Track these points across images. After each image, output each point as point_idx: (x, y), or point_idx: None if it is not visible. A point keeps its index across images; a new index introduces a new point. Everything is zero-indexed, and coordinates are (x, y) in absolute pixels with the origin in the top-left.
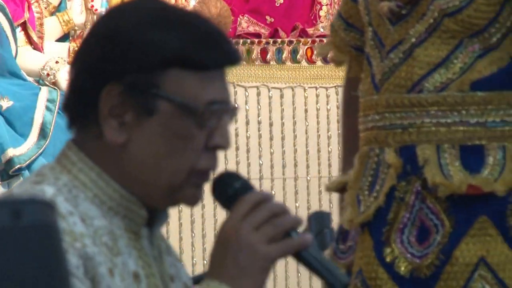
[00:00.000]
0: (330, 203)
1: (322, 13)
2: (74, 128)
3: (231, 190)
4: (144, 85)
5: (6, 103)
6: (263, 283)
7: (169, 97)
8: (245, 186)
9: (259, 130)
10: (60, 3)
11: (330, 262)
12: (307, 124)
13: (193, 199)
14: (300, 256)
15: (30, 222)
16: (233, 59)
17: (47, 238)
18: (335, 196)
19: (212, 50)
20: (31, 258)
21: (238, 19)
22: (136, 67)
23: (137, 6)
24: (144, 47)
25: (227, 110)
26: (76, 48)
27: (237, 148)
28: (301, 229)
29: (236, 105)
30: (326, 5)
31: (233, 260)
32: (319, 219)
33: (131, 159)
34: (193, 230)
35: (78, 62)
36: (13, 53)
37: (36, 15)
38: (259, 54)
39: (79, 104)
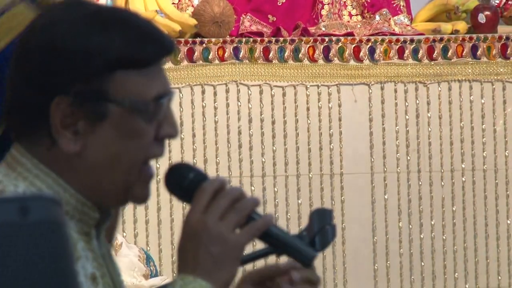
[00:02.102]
0: (332, 200)
1: (323, 12)
2: (21, 139)
3: (185, 181)
4: (92, 93)
5: None
6: (236, 271)
7: (118, 100)
8: (199, 176)
9: (261, 128)
10: None
11: (295, 238)
12: (309, 122)
13: (144, 196)
14: (266, 237)
15: (37, 219)
16: (170, 48)
17: (54, 234)
18: (337, 193)
19: (149, 45)
20: (38, 254)
21: (241, 18)
22: (80, 76)
23: (67, 12)
24: (84, 55)
25: (171, 99)
26: None
27: (240, 146)
28: (302, 226)
29: (239, 104)
30: (328, 4)
31: (205, 253)
32: (321, 216)
33: (87, 164)
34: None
35: (17, 77)
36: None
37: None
38: (261, 52)
39: (26, 119)
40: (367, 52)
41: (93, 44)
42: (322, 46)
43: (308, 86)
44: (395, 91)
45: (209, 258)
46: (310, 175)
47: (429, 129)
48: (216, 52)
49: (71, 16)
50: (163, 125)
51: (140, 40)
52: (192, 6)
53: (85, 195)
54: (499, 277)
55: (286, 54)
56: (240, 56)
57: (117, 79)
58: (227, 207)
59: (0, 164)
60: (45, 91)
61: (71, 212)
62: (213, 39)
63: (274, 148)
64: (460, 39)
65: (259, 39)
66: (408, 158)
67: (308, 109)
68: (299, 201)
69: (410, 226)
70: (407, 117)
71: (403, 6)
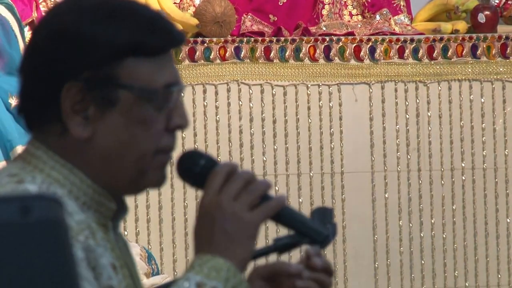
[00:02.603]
0: (333, 199)
1: (324, 12)
2: (34, 129)
3: (197, 168)
4: (103, 79)
5: (14, 101)
6: (252, 250)
7: (129, 85)
8: (210, 162)
9: (262, 127)
10: None
11: (308, 218)
12: (310, 121)
13: (159, 181)
14: (280, 217)
15: (38, 218)
16: (179, 40)
17: (55, 234)
18: (338, 192)
19: (160, 34)
20: (39, 254)
21: (242, 18)
22: (91, 62)
23: (75, 3)
24: (96, 41)
25: (181, 90)
26: None
27: (241, 145)
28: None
29: (240, 103)
30: (328, 4)
31: (221, 232)
32: (321, 214)
33: (98, 150)
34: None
35: (29, 66)
36: (21, 51)
37: (44, 14)
38: (262, 52)
39: (38, 106)
40: (368, 52)
41: (103, 31)
42: (322, 46)
43: (309, 86)
44: (396, 90)
45: (225, 236)
46: (311, 174)
47: (429, 128)
48: (218, 52)
49: (81, 5)
50: (173, 116)
51: (150, 28)
52: (194, 6)
53: (100, 184)
54: (499, 275)
55: (287, 53)
56: (241, 55)
57: (127, 65)
58: (240, 188)
59: (14, 160)
60: (56, 77)
61: (89, 202)
62: (214, 39)
63: (275, 147)
64: (460, 38)
65: (260, 38)
66: (408, 157)
67: (309, 108)
68: (300, 200)
69: (410, 225)
70: (407, 116)
71: (403, 6)
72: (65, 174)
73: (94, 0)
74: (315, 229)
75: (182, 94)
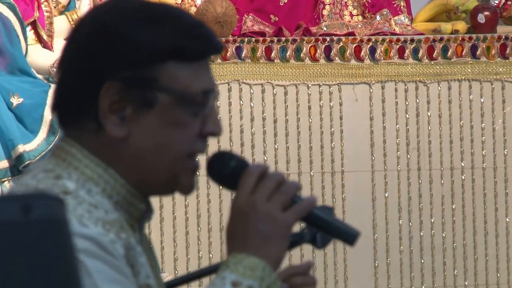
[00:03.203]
0: (333, 198)
1: (325, 12)
2: (68, 127)
3: (227, 169)
4: (143, 80)
5: (16, 100)
6: (285, 249)
7: (168, 88)
8: (241, 163)
9: (263, 127)
10: (69, 3)
11: (338, 218)
12: (310, 120)
13: (190, 185)
14: (310, 217)
15: (40, 217)
16: (218, 48)
17: (57, 233)
18: (338, 191)
19: (200, 41)
20: (41, 252)
21: (243, 18)
22: (132, 63)
23: (119, 4)
24: (139, 43)
25: (216, 97)
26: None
27: (242, 144)
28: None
29: (241, 103)
30: (329, 4)
31: (255, 231)
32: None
33: (132, 151)
34: (175, 226)
35: (68, 63)
36: (23, 51)
37: (45, 14)
38: (263, 52)
39: (75, 103)
40: (368, 52)
41: (146, 33)
42: (323, 46)
43: (310, 85)
44: (396, 90)
45: (258, 236)
46: (312, 173)
47: (429, 128)
48: None
49: (126, 6)
50: (207, 122)
51: (192, 34)
52: (195, 6)
53: (132, 184)
54: (498, 274)
55: (288, 53)
56: (243, 55)
57: (167, 69)
58: (273, 189)
59: (48, 157)
60: (96, 75)
61: (121, 201)
62: None
63: (276, 146)
64: (460, 39)
65: (261, 38)
66: (408, 156)
67: (309, 108)
68: None
69: (410, 224)
70: (407, 116)
71: (403, 6)
72: (99, 173)
73: (138, 2)
74: (345, 229)
75: (218, 102)
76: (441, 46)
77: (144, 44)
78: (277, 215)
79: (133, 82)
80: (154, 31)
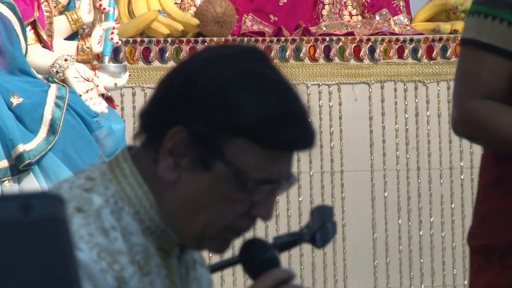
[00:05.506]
0: (333, 198)
1: (324, 12)
2: (140, 139)
3: (258, 259)
4: (210, 141)
5: (16, 100)
6: None
7: (228, 162)
8: (273, 260)
9: None
10: (69, 2)
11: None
12: (309, 120)
13: (219, 250)
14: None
15: (40, 216)
16: (306, 144)
17: (56, 232)
18: (337, 190)
19: (287, 132)
20: (40, 252)
21: (243, 18)
22: (209, 121)
23: (231, 59)
24: (223, 107)
25: (279, 188)
26: (86, 47)
27: None
28: (303, 223)
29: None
30: (329, 4)
31: None
32: (321, 213)
33: (175, 197)
34: None
35: (161, 89)
36: (23, 51)
37: (45, 14)
38: None
39: (152, 124)
40: (367, 52)
41: (234, 101)
42: (323, 46)
43: (309, 85)
44: (395, 90)
45: None
46: (311, 173)
47: (428, 128)
48: None
49: (232, 62)
50: (259, 205)
51: (278, 122)
52: (195, 6)
53: (165, 223)
54: None
55: (288, 53)
56: None
57: (238, 143)
58: None
59: (105, 162)
60: (173, 113)
61: (153, 228)
62: (215, 39)
63: None
64: (459, 38)
65: (260, 38)
66: (408, 156)
67: (309, 107)
68: (300, 199)
69: (410, 223)
70: (406, 115)
71: (402, 6)
72: (138, 195)
73: (246, 65)
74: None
75: (280, 191)
76: (440, 46)
77: (228, 112)
78: None
79: (200, 137)
80: (244, 103)
